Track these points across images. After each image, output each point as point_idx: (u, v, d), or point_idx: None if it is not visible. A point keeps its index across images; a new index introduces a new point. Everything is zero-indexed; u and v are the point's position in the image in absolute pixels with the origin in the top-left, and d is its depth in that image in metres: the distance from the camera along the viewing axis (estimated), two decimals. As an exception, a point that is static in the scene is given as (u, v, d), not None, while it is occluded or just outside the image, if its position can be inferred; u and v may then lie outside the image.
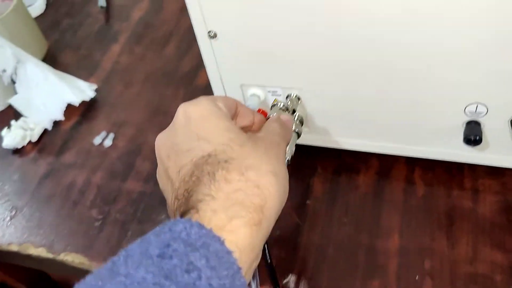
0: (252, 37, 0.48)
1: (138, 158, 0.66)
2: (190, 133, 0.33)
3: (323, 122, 0.55)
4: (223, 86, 0.55)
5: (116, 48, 0.81)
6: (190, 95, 0.72)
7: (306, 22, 0.44)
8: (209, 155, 0.32)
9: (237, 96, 0.56)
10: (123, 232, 0.58)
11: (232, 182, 0.30)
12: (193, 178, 0.31)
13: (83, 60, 0.80)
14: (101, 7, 0.86)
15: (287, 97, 0.54)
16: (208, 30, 0.49)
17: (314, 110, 0.54)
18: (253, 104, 0.54)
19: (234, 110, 0.38)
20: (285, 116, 0.47)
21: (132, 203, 0.61)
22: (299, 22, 0.45)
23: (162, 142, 0.35)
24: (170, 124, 0.36)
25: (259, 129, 0.39)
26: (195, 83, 0.73)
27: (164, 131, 0.37)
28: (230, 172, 0.30)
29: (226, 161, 0.31)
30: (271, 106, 0.51)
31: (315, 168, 0.60)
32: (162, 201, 0.60)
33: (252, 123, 0.39)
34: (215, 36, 0.49)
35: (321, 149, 0.60)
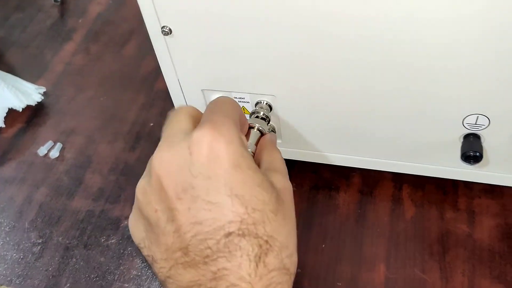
0: (212, 33, 0.40)
1: (88, 171, 0.58)
2: (217, 182, 0.27)
3: (298, 133, 0.48)
4: (182, 91, 0.47)
5: (69, 47, 0.73)
6: (151, 101, 0.64)
7: (278, 14, 0.37)
8: (242, 222, 0.26)
9: (199, 104, 0.48)
10: (65, 258, 0.50)
11: (269, 266, 0.26)
12: (218, 246, 0.26)
13: (32, 60, 0.71)
14: (55, 0, 0.77)
15: (256, 104, 0.46)
16: (162, 26, 0.41)
17: (288, 120, 0.47)
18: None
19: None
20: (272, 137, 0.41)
21: (78, 224, 0.53)
22: (269, 15, 0.37)
23: (169, 170, 0.28)
24: (180, 147, 0.28)
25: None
26: (156, 87, 0.65)
27: (168, 151, 0.29)
28: (268, 255, 0.27)
29: (266, 241, 0.27)
30: (250, 114, 0.43)
31: (289, 185, 0.52)
32: (113, 222, 0.52)
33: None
34: (169, 32, 0.41)
35: (295, 162, 0.52)
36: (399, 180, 0.51)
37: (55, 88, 0.67)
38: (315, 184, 0.53)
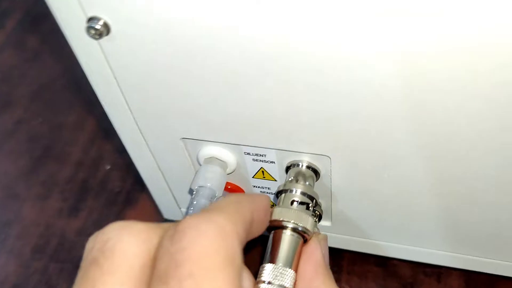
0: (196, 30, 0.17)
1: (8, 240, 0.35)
2: None
3: (359, 213, 0.25)
4: (145, 140, 0.25)
5: (-5, 39, 0.49)
6: (108, 127, 0.41)
7: None
8: None
9: (178, 163, 0.25)
10: None
11: None
12: None
13: None
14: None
15: (289, 169, 0.24)
16: (89, 17, 0.18)
17: (345, 194, 0.24)
18: (214, 185, 0.24)
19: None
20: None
21: None
22: None
23: (136, 252, 0.15)
24: (158, 227, 0.16)
25: None
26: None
27: (138, 229, 0.16)
28: None
29: None
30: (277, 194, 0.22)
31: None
32: None
33: None
34: (105, 32, 0.18)
35: (345, 252, 0.30)
36: None
37: (-36, 105, 0.44)
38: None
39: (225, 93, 0.21)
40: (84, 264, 0.16)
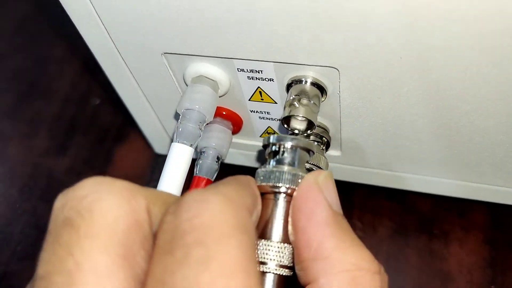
0: None
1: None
2: None
3: (373, 140, 0.22)
4: (124, 60, 0.21)
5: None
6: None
7: None
8: None
9: (163, 86, 0.22)
10: None
11: None
12: None
13: None
14: None
15: (289, 87, 0.20)
16: None
17: (358, 117, 0.21)
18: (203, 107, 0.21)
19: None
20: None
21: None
22: None
23: (119, 213, 0.13)
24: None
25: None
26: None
27: (120, 186, 0.13)
28: None
29: None
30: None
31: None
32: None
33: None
34: None
35: (360, 187, 0.27)
36: None
37: None
38: (401, 225, 0.27)
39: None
40: (54, 226, 0.13)
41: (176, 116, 0.25)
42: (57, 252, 0.12)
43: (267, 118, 0.24)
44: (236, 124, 0.24)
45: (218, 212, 0.13)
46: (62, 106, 0.36)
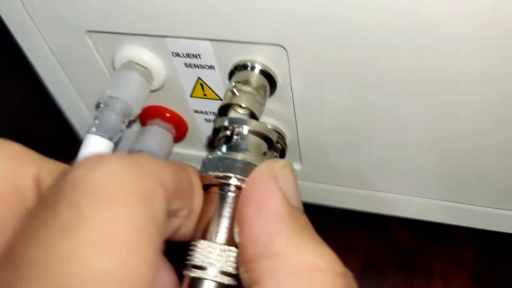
0: None
1: None
2: None
3: (336, 148, 0.19)
4: (44, 39, 0.18)
5: None
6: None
7: None
8: None
9: (90, 72, 0.19)
10: None
11: None
12: None
13: None
14: None
15: (232, 75, 0.17)
16: None
17: (315, 113, 0.18)
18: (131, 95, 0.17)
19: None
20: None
21: None
22: None
23: None
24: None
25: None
26: None
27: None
28: None
29: None
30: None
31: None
32: None
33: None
34: None
35: (325, 210, 0.23)
36: None
37: None
38: (376, 259, 0.23)
39: None
40: None
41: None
42: None
43: (213, 120, 0.20)
44: (179, 128, 0.21)
45: (113, 174, 0.10)
46: None
